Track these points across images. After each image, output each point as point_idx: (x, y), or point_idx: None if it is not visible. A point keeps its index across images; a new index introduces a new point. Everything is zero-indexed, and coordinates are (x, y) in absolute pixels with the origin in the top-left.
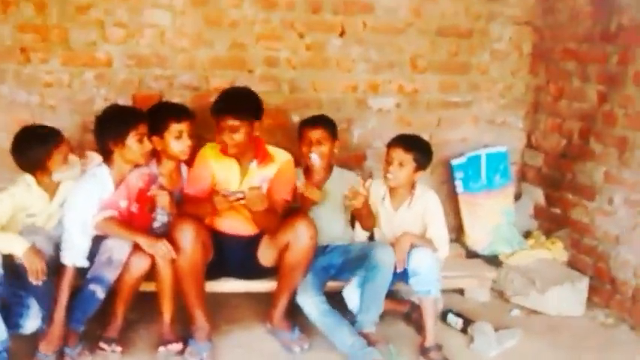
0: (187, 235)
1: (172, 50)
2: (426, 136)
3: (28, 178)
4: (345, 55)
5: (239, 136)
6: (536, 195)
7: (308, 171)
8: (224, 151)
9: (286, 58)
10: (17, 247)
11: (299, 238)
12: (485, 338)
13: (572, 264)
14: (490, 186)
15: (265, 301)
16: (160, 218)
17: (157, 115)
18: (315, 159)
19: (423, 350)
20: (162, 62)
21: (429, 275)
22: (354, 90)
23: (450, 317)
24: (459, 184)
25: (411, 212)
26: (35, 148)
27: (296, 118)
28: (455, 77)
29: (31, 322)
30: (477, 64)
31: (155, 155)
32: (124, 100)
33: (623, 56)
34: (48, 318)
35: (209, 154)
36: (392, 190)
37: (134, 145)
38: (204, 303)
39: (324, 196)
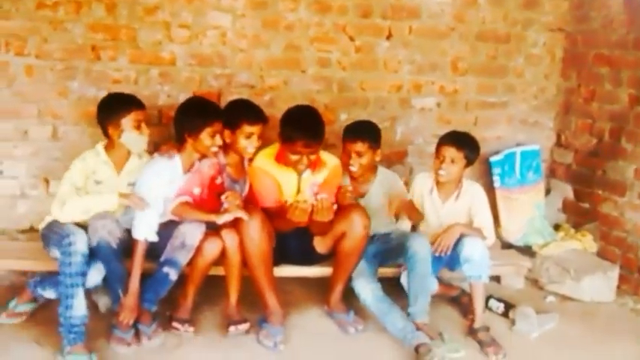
0: (255, 225)
1: (232, 50)
2: None
3: (99, 147)
4: (392, 57)
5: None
6: (565, 190)
7: (352, 176)
8: (280, 161)
9: (337, 59)
10: (111, 198)
11: (354, 227)
12: (527, 321)
13: (601, 254)
14: (524, 181)
15: (316, 286)
16: (226, 205)
17: (234, 113)
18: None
19: (472, 331)
20: (222, 61)
21: (481, 261)
22: (399, 90)
23: (492, 302)
24: (496, 180)
25: (459, 205)
26: (115, 105)
27: (344, 116)
28: (492, 79)
29: (94, 273)
30: (513, 68)
31: (223, 146)
32: (186, 97)
33: None
34: (120, 296)
35: (267, 163)
36: (439, 184)
37: (207, 139)
38: (276, 288)
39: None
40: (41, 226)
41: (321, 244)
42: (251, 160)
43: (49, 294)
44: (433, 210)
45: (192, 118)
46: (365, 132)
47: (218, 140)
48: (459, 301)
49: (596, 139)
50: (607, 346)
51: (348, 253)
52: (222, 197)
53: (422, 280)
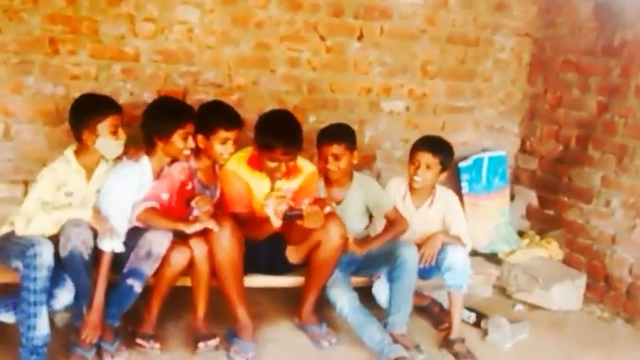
0: (226, 234)
1: (199, 47)
2: None
3: (68, 153)
4: (363, 58)
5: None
6: (529, 197)
7: (328, 181)
8: (254, 166)
9: (307, 59)
10: (84, 214)
11: (331, 236)
12: (500, 331)
13: (567, 262)
14: (490, 188)
15: (284, 297)
16: (195, 212)
17: (209, 117)
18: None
19: (448, 342)
20: (188, 58)
21: (464, 270)
22: (368, 92)
23: (464, 312)
24: (464, 186)
25: (432, 211)
26: (91, 108)
27: (312, 118)
28: (460, 83)
29: (65, 294)
30: (480, 72)
31: (195, 150)
32: (149, 95)
33: (626, 70)
34: (84, 312)
35: (240, 168)
36: (413, 190)
37: (179, 142)
38: (246, 300)
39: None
40: None
41: (293, 254)
42: (221, 165)
43: (6, 317)
44: (405, 216)
45: (163, 120)
46: (341, 134)
47: (190, 143)
48: (430, 310)
49: (562, 145)
50: (579, 356)
51: (322, 264)
52: (192, 202)
53: (407, 290)
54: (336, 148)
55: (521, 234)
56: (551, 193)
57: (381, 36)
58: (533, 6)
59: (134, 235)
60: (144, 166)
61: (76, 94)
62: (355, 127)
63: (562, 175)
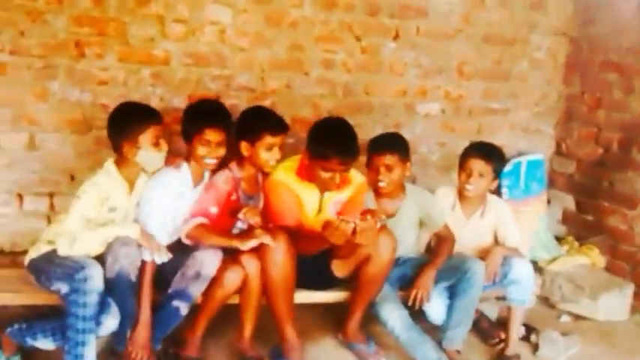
0: (281, 250)
1: (231, 49)
2: (466, 143)
3: (109, 166)
4: (398, 59)
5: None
6: (566, 201)
7: (378, 192)
8: (302, 176)
9: (342, 60)
10: (131, 231)
11: (381, 250)
12: (553, 346)
13: (609, 269)
14: (528, 193)
15: (328, 313)
16: (240, 225)
17: (253, 123)
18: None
19: (503, 358)
20: (220, 61)
21: (528, 285)
22: (404, 94)
23: None
24: (505, 192)
25: (484, 222)
26: (132, 119)
27: None
28: (496, 84)
29: (111, 321)
30: (516, 73)
31: (237, 158)
32: (180, 101)
33: None
34: (127, 337)
35: (289, 179)
36: (463, 199)
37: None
38: (295, 319)
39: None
40: (32, 255)
41: (340, 268)
42: (265, 173)
43: (44, 344)
44: (455, 227)
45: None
46: (393, 144)
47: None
48: (479, 325)
49: (602, 148)
50: None
51: (372, 279)
52: (240, 214)
53: (471, 305)
54: (389, 159)
55: (558, 240)
56: (591, 197)
57: (417, 36)
58: (570, 4)
59: (179, 251)
60: (184, 172)
61: (104, 100)
62: (391, 130)
63: (602, 179)
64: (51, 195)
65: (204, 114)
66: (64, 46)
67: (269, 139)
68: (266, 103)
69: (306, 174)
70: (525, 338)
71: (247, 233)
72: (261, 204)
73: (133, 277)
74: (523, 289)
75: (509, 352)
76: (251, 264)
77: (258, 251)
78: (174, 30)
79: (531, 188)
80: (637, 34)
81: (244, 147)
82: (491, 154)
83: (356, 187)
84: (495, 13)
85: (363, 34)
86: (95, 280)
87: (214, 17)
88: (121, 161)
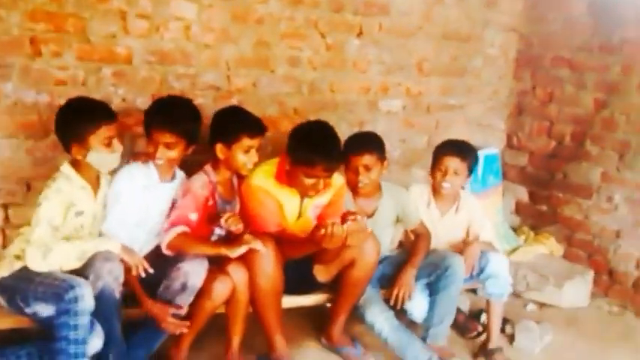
0: (270, 257)
1: (197, 46)
2: (425, 138)
3: (66, 168)
4: (362, 57)
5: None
6: (519, 193)
7: (356, 193)
8: (282, 180)
9: (308, 58)
10: (112, 245)
11: (366, 254)
12: (530, 335)
13: (566, 258)
14: (485, 186)
15: (306, 316)
16: (218, 232)
17: (229, 124)
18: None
19: (486, 353)
20: (185, 59)
21: (506, 279)
22: (367, 92)
23: (484, 317)
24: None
25: (458, 217)
26: (81, 117)
27: None
28: (453, 80)
29: (95, 340)
30: (471, 69)
31: (211, 161)
32: (143, 101)
33: (627, 67)
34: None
35: (268, 183)
36: (437, 196)
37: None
38: (282, 328)
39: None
40: (1, 273)
41: (323, 273)
42: (241, 177)
43: None
44: (431, 224)
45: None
46: (370, 143)
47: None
48: (455, 319)
49: (555, 141)
50: (614, 354)
51: (356, 282)
52: (222, 221)
53: (452, 301)
54: (368, 159)
55: (512, 230)
56: (544, 188)
57: (380, 33)
58: (520, 1)
59: (160, 262)
60: (150, 168)
61: (63, 102)
62: (355, 129)
63: (556, 171)
64: (5, 206)
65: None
66: (18, 43)
67: (247, 142)
68: (232, 102)
69: (286, 179)
70: (501, 330)
71: (234, 240)
72: (237, 209)
73: (117, 295)
74: (501, 283)
75: (492, 345)
76: (238, 273)
77: (245, 259)
78: (137, 26)
79: (488, 181)
80: (588, 32)
81: (220, 149)
82: (465, 152)
83: (336, 189)
84: (453, 10)
85: (328, 31)
86: (86, 299)
87: (179, 13)
88: (77, 162)
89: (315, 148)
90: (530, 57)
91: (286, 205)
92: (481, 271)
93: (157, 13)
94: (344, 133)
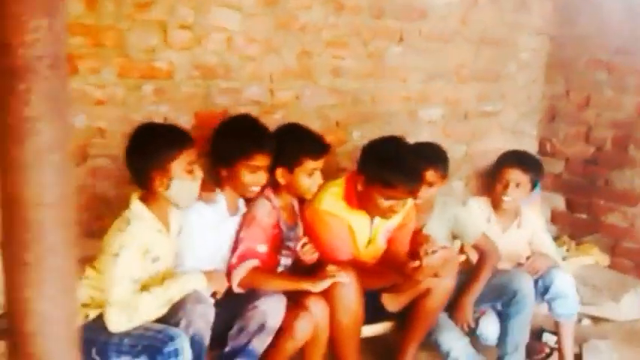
0: (353, 290)
1: (240, 59)
2: (464, 148)
3: (138, 206)
4: (402, 64)
5: (434, 192)
6: (554, 201)
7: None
8: (352, 203)
9: (350, 67)
10: (197, 282)
11: (442, 281)
12: (600, 356)
13: (613, 268)
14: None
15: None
16: (284, 261)
17: (290, 147)
18: None
19: None
20: (227, 73)
21: (573, 297)
22: (408, 101)
23: (547, 336)
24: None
25: (520, 233)
26: (159, 144)
27: (357, 134)
28: (488, 86)
29: None
30: (505, 74)
31: (272, 185)
32: (187, 120)
33: None
34: None
35: (338, 207)
36: (498, 210)
37: (245, 175)
38: None
39: None
40: None
41: (393, 302)
42: (303, 200)
43: None
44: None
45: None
46: (435, 157)
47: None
48: None
49: (593, 147)
50: None
51: (430, 312)
52: (299, 249)
53: (525, 326)
54: (431, 175)
55: (555, 240)
56: (583, 196)
57: (420, 39)
58: (549, 3)
59: (230, 300)
60: (220, 204)
61: (101, 124)
62: None
63: (596, 178)
64: None
65: (250, 136)
66: None
67: (310, 164)
68: (276, 117)
69: (357, 201)
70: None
71: (317, 272)
72: (300, 235)
73: (207, 342)
74: (569, 303)
75: None
76: (319, 307)
77: (325, 293)
78: (178, 38)
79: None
80: (624, 33)
81: (280, 174)
82: (528, 163)
83: (406, 211)
84: (487, 14)
85: (370, 38)
86: (186, 352)
87: (220, 22)
88: (148, 197)
89: (396, 166)
90: (562, 60)
91: (357, 230)
92: (546, 290)
93: (198, 23)
94: None
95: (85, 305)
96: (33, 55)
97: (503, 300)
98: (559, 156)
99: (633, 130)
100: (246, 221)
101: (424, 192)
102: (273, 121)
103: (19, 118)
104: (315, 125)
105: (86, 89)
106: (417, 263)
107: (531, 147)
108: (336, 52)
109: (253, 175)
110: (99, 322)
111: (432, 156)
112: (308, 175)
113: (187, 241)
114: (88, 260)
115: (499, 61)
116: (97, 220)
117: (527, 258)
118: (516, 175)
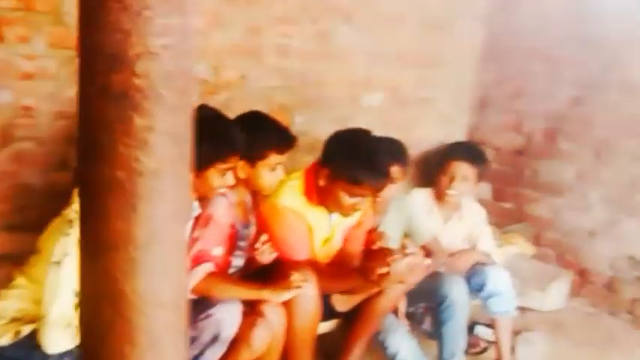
0: (312, 295)
1: None
2: (403, 134)
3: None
4: (350, 46)
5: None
6: (481, 190)
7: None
8: (312, 198)
9: (296, 46)
10: None
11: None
12: (531, 347)
13: (536, 258)
14: None
15: None
16: (236, 262)
17: (254, 139)
18: None
19: None
20: None
21: (510, 294)
22: (351, 85)
23: (480, 329)
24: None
25: (461, 226)
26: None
27: (299, 119)
28: (426, 72)
29: None
30: (443, 60)
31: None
32: None
33: (606, 64)
34: None
35: (298, 203)
36: (441, 202)
37: (215, 179)
38: None
39: None
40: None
41: (343, 302)
42: (258, 195)
43: None
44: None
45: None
46: (398, 152)
47: (230, 179)
48: None
49: (523, 137)
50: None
51: (380, 312)
52: (259, 247)
53: (460, 331)
54: (396, 171)
55: None
56: (510, 185)
57: (368, 18)
58: None
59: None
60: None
61: (29, 101)
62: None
63: (524, 168)
64: None
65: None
66: None
67: (275, 158)
68: (220, 98)
69: (317, 196)
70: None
71: (275, 276)
72: (253, 233)
73: None
74: (504, 300)
75: None
76: (276, 315)
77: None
78: None
79: None
80: (564, 26)
81: (241, 167)
82: (475, 157)
83: (365, 208)
84: None
85: (318, 16)
86: None
87: None
88: None
89: (363, 163)
90: (499, 49)
91: (316, 227)
92: (480, 288)
93: None
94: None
95: (15, 320)
96: None
97: (433, 304)
98: (488, 145)
99: (563, 123)
100: (202, 220)
101: (387, 189)
102: (216, 103)
103: None
104: (258, 107)
105: (12, 60)
106: (384, 270)
107: (461, 135)
108: (284, 29)
109: (223, 178)
110: (33, 340)
111: (395, 151)
112: (271, 170)
113: None
114: (7, 259)
115: (438, 46)
116: (20, 212)
117: (451, 255)
118: (463, 169)
